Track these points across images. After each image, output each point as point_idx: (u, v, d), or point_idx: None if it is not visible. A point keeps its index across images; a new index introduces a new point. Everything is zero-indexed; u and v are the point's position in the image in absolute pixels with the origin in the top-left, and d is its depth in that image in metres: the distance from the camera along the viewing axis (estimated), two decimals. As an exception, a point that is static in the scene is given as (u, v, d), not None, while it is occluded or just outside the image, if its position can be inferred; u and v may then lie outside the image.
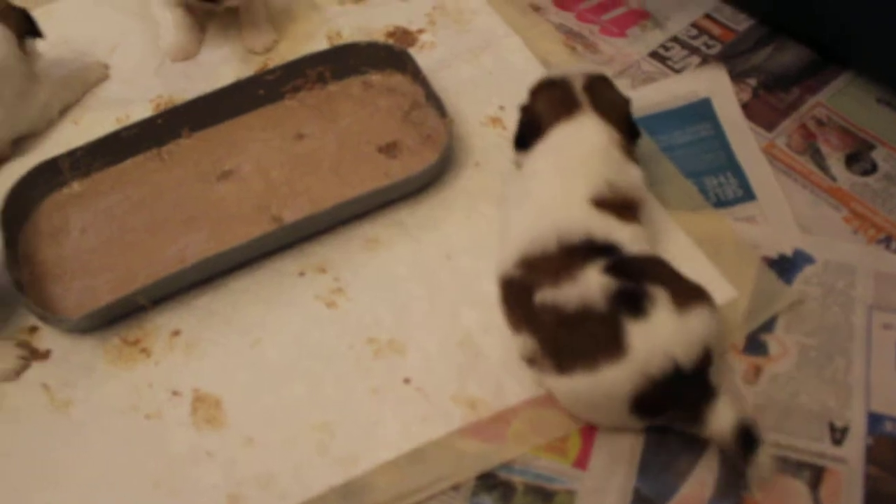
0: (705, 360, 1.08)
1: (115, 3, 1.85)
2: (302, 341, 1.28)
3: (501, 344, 1.24)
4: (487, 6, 1.75)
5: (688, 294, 1.09)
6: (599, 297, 1.07)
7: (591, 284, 1.08)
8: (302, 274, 1.35)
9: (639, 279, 1.08)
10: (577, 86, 1.26)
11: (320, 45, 1.69)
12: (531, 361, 1.16)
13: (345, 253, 1.37)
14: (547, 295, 1.10)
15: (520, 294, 1.15)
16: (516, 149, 1.30)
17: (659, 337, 1.05)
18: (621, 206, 1.18)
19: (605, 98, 1.26)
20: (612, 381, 1.06)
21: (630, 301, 1.06)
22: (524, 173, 1.26)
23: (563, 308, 1.09)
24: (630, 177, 1.22)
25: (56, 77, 1.63)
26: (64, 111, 1.64)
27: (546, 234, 1.14)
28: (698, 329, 1.07)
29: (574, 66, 1.52)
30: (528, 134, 1.26)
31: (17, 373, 1.30)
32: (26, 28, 1.54)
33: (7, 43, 1.49)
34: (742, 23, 1.70)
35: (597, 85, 1.28)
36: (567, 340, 1.09)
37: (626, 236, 1.15)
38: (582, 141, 1.21)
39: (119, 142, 1.50)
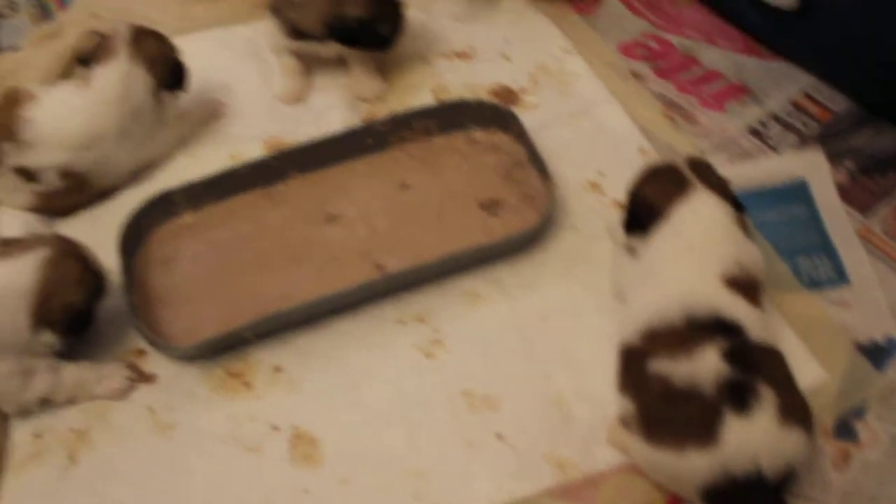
0: (788, 477, 1.08)
1: (231, 45, 1.93)
2: (400, 388, 1.33)
3: (593, 409, 1.28)
4: (589, 70, 1.80)
5: (794, 408, 1.09)
6: (710, 381, 1.09)
7: (707, 366, 1.10)
8: (402, 322, 1.40)
9: (753, 373, 1.09)
10: (684, 167, 1.29)
11: (426, 97, 1.75)
12: (625, 423, 1.19)
13: (444, 305, 1.41)
14: (661, 365, 1.13)
15: (636, 360, 1.18)
16: (629, 232, 1.32)
17: (753, 440, 1.06)
18: (747, 286, 1.19)
19: (711, 177, 1.29)
20: (694, 465, 1.08)
21: (738, 394, 1.07)
22: (647, 253, 1.28)
23: (672, 381, 1.11)
24: (751, 254, 1.24)
25: (176, 111, 1.71)
26: (181, 145, 1.71)
27: (674, 309, 1.16)
28: (793, 447, 1.08)
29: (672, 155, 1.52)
30: (644, 217, 1.29)
31: (125, 393, 1.37)
32: (171, 80, 1.64)
33: (146, 90, 1.60)
34: (840, 103, 1.72)
35: (700, 166, 1.31)
36: (665, 412, 1.12)
37: (751, 319, 1.16)
38: (704, 218, 1.24)
39: (232, 178, 1.57)
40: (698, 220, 1.24)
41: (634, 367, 1.18)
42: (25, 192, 1.58)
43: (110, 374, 1.37)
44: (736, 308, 1.16)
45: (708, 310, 1.15)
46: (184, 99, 1.72)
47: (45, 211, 1.62)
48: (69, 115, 1.56)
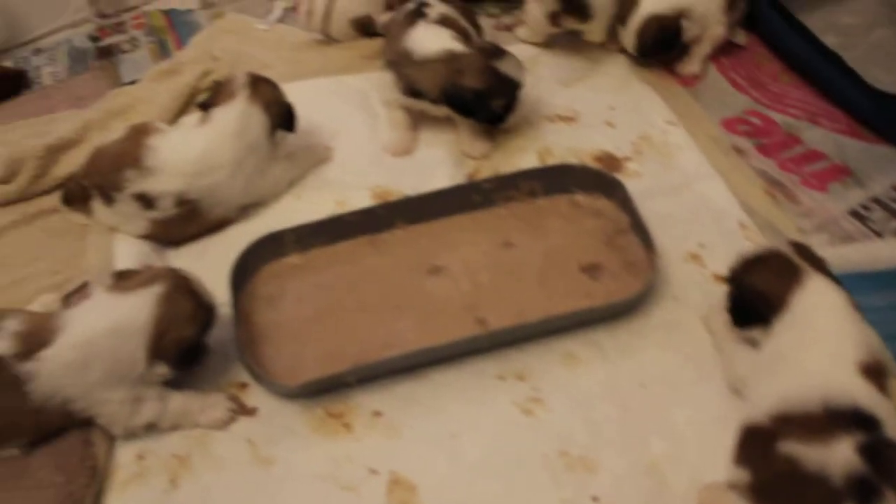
0: None
1: (341, 93, 2.01)
2: (497, 443, 1.35)
3: (688, 478, 1.29)
4: (691, 142, 1.83)
5: None
6: (840, 472, 1.09)
7: (839, 457, 1.10)
8: (502, 378, 1.42)
9: (886, 475, 1.08)
10: (790, 253, 1.30)
11: (530, 158, 1.80)
12: (733, 487, 1.19)
13: (543, 364, 1.43)
14: (791, 447, 1.13)
15: (762, 438, 1.18)
16: (742, 325, 1.33)
17: None
18: (877, 373, 1.19)
19: (815, 260, 1.30)
20: None
21: (864, 492, 1.07)
22: (771, 343, 1.27)
23: (800, 463, 1.11)
24: (874, 338, 1.25)
25: (286, 153, 1.77)
26: (290, 186, 1.78)
27: (812, 396, 1.15)
28: None
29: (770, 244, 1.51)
30: (760, 309, 1.28)
31: (226, 423, 1.41)
32: (283, 122, 1.74)
33: (261, 128, 1.70)
34: (945, 192, 1.72)
35: (803, 250, 1.32)
36: (786, 491, 1.12)
37: (886, 412, 1.15)
38: (827, 304, 1.24)
39: (341, 224, 1.63)
40: (822, 307, 1.24)
41: (759, 444, 1.18)
42: (142, 220, 1.66)
43: (213, 405, 1.41)
44: (873, 399, 1.15)
45: (846, 400, 1.14)
46: (293, 143, 1.80)
47: (158, 239, 1.70)
48: (190, 145, 1.66)
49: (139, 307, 1.33)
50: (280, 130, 1.74)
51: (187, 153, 1.65)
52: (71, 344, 1.31)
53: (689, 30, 1.96)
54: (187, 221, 1.67)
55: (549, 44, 2.10)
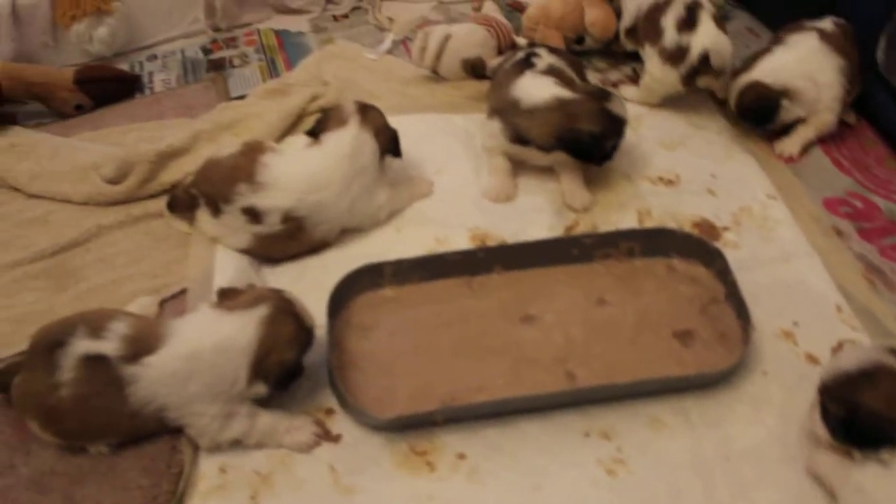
0: None
1: (447, 131, 2.04)
2: (580, 499, 1.35)
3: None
4: (791, 218, 1.82)
5: None
6: None
7: None
8: (587, 435, 1.43)
9: None
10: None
11: (630, 216, 1.81)
12: None
13: (629, 426, 1.44)
14: None
15: None
16: (847, 441, 1.30)
17: None
18: None
19: None
20: None
21: None
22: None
23: None
24: None
25: (389, 184, 1.81)
26: (390, 217, 1.81)
27: None
28: None
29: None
30: (875, 433, 1.26)
31: (310, 447, 1.43)
32: (390, 147, 1.78)
33: (371, 153, 1.75)
34: None
35: None
36: None
37: None
38: None
39: (440, 263, 1.65)
40: None
41: None
42: (246, 233, 1.71)
43: (299, 427, 1.44)
44: None
45: None
46: (397, 174, 1.84)
47: (257, 255, 1.74)
48: (303, 164, 1.72)
49: (244, 327, 1.37)
50: (387, 156, 1.79)
51: (300, 171, 1.70)
52: (177, 354, 1.35)
53: (790, 111, 1.96)
54: (289, 239, 1.71)
55: (653, 105, 2.12)
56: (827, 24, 2.01)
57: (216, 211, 1.71)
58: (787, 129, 2.01)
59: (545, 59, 1.92)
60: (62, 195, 1.92)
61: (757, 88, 1.95)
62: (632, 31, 2.18)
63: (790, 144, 1.99)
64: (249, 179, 1.67)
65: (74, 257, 1.81)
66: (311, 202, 1.68)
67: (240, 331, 1.37)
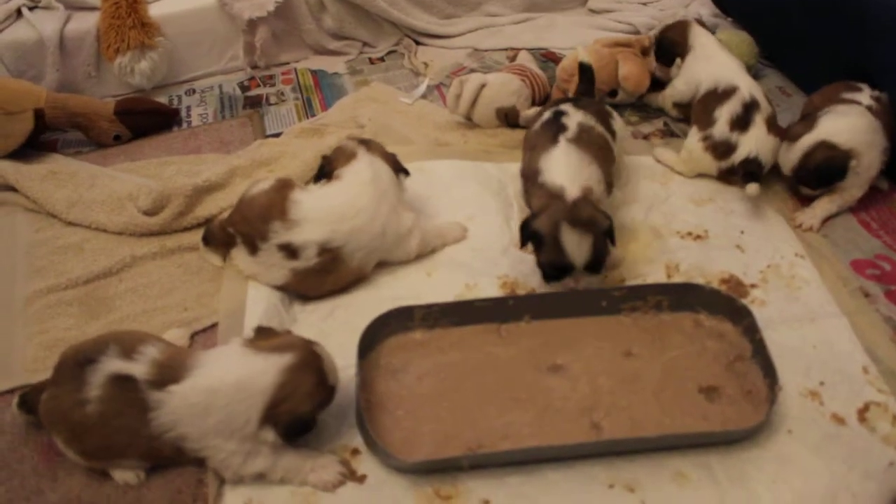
0: None
1: (479, 178, 2.07)
2: (602, 552, 1.36)
3: None
4: (819, 278, 1.83)
5: None
6: None
7: None
8: (611, 486, 1.43)
9: None
10: None
11: (658, 270, 1.83)
12: None
13: (654, 479, 1.44)
14: None
15: None
16: None
17: None
18: None
19: None
20: None
21: None
22: None
23: None
24: None
25: (420, 222, 1.85)
26: (421, 252, 1.84)
27: None
28: None
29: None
30: None
31: (334, 486, 1.44)
32: (397, 167, 1.85)
33: (388, 174, 1.83)
34: None
35: None
36: None
37: None
38: None
39: (471, 309, 1.67)
40: None
41: None
42: (283, 269, 1.74)
43: (324, 466, 1.45)
44: None
45: None
46: (431, 220, 1.89)
47: (295, 290, 1.77)
48: (331, 197, 1.77)
49: (266, 371, 1.39)
50: (400, 174, 1.86)
51: (329, 204, 1.74)
52: (197, 387, 1.38)
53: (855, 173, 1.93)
54: (326, 273, 1.74)
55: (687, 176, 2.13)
56: (867, 98, 1.99)
57: (253, 249, 1.74)
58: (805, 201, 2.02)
59: (574, 116, 1.87)
60: (98, 224, 1.96)
61: (826, 149, 1.91)
62: (681, 106, 2.21)
63: (811, 216, 1.98)
64: (282, 217, 1.70)
65: (108, 286, 1.84)
66: (346, 231, 1.71)
67: (261, 373, 1.38)
